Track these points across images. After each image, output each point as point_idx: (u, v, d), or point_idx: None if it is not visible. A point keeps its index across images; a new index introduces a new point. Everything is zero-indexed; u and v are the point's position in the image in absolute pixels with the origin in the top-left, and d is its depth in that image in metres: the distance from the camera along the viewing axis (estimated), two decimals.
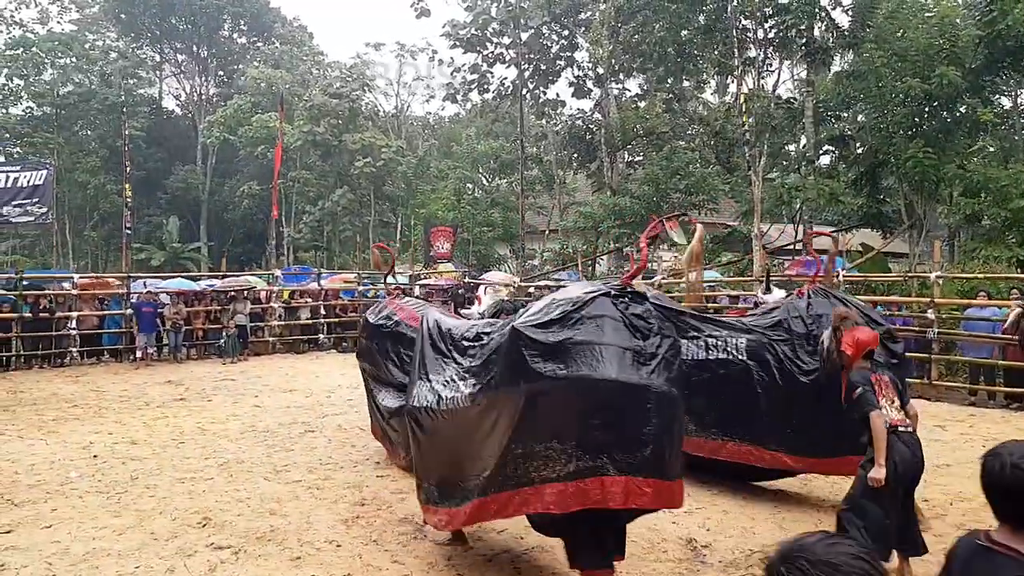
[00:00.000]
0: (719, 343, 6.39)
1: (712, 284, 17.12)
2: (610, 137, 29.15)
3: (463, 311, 8.85)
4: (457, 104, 40.10)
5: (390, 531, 5.70)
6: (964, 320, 12.46)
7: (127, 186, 21.16)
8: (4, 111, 39.18)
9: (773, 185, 22.51)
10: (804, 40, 20.86)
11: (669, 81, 29.11)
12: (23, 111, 39.30)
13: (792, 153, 26.74)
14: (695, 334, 6.49)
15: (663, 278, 17.09)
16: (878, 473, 4.41)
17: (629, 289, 4.27)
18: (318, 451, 8.34)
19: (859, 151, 21.10)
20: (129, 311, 16.44)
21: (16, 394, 12.15)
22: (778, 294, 9.38)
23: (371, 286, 20.96)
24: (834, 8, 21.70)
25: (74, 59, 39.06)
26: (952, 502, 6.30)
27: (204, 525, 5.80)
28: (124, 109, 32.05)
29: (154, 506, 6.28)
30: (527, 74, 33.08)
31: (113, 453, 8.15)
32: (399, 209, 39.82)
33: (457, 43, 34.31)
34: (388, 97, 45.49)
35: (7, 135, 38.47)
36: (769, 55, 23.37)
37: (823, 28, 21.17)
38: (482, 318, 7.13)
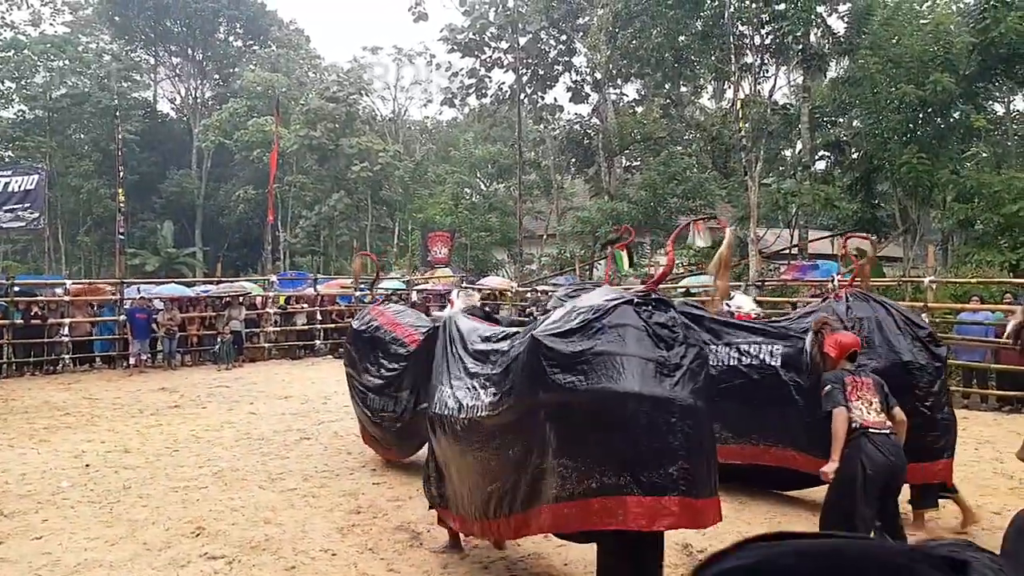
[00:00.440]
0: (753, 348, 6.28)
1: (709, 289, 17.10)
2: (608, 142, 29.18)
3: (433, 314, 9.03)
4: (455, 108, 40.13)
5: (386, 539, 5.67)
6: (957, 324, 12.53)
7: (120, 190, 21.04)
8: None
9: (769, 190, 22.54)
10: (800, 46, 20.94)
11: (666, 86, 29.14)
12: (15, 114, 39.08)
13: (788, 158, 26.81)
14: (729, 340, 6.41)
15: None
16: (829, 467, 4.47)
17: (653, 296, 4.12)
18: (314, 459, 8.29)
19: (854, 156, 21.18)
20: (122, 317, 16.34)
21: (7, 402, 12.06)
22: (742, 300, 9.37)
23: (367, 292, 20.90)
24: (830, 15, 21.83)
25: (67, 61, 38.91)
26: (945, 505, 6.28)
27: (198, 535, 5.75)
28: (118, 112, 31.92)
29: (147, 516, 6.23)
30: (525, 79, 33.11)
31: (105, 462, 8.08)
32: (396, 214, 39.78)
33: (455, 47, 34.32)
34: (385, 101, 45.41)
35: None
36: (766, 61, 23.44)
37: (819, 35, 21.27)
38: None
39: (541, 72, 33.66)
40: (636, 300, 4.01)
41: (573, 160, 31.91)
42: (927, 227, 20.08)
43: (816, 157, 23.05)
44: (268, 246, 28.70)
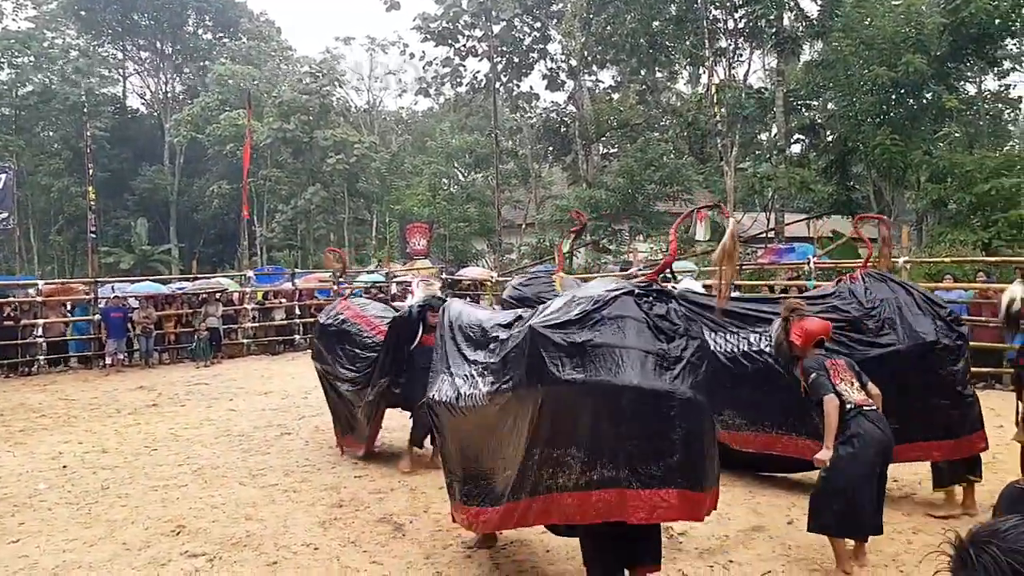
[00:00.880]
0: (767, 335, 6.10)
1: (690, 275, 17.16)
2: (584, 129, 29.17)
3: (396, 304, 9.11)
4: (430, 98, 39.99)
5: (368, 532, 5.64)
6: None
7: (90, 188, 20.72)
8: None
9: (745, 174, 22.68)
10: (774, 30, 21.05)
11: (642, 73, 29.20)
12: None
13: (764, 142, 26.97)
14: (741, 326, 6.33)
15: (639, 269, 17.11)
16: (824, 455, 4.47)
17: (654, 287, 4.06)
18: (295, 454, 8.23)
19: (829, 139, 21.36)
20: (97, 317, 16.11)
21: None
22: (689, 284, 9.39)
23: (347, 285, 20.78)
24: None
25: (32, 58, 38.19)
26: (920, 481, 6.37)
27: (178, 533, 5.68)
28: (86, 108, 31.38)
29: (126, 516, 6.15)
30: (500, 67, 32.99)
31: (83, 463, 7.97)
32: (374, 206, 39.52)
33: (428, 36, 34.09)
34: (359, 92, 45.06)
35: None
36: (739, 45, 23.57)
37: (792, 17, 21.39)
38: (411, 312, 7.29)
39: (516, 60, 33.56)
40: (637, 291, 3.96)
41: (550, 148, 31.91)
42: (901, 208, 20.29)
43: (791, 140, 23.22)
44: (244, 241, 28.42)
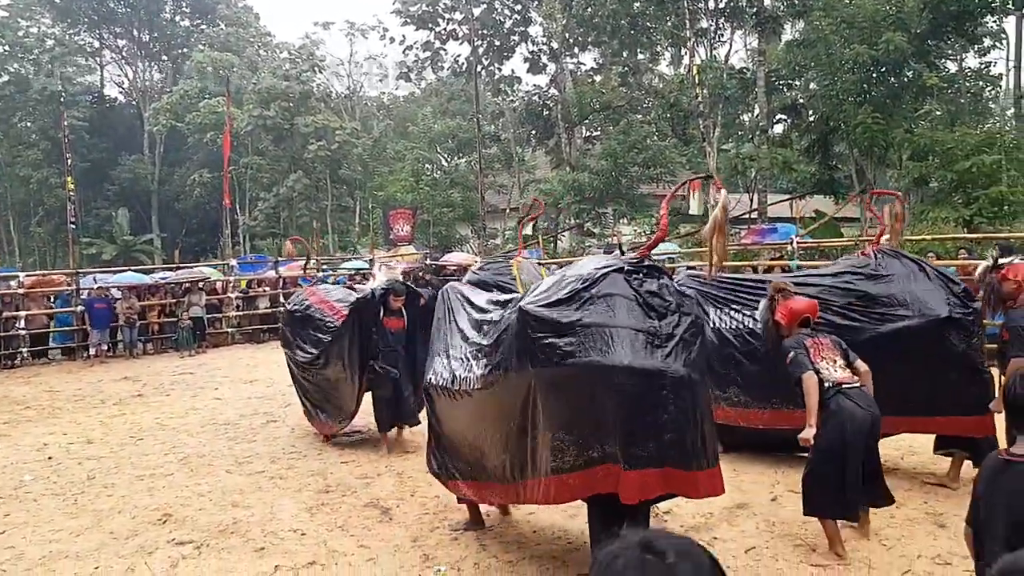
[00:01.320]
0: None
1: (672, 256, 17.23)
2: (567, 112, 29.07)
3: (357, 287, 9.26)
4: (411, 83, 39.61)
5: (355, 516, 5.66)
6: None
7: (69, 179, 20.44)
8: None
9: (728, 155, 22.72)
10: (755, 9, 21.02)
11: (624, 54, 29.10)
12: None
13: (746, 123, 26.98)
14: (746, 303, 6.28)
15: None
16: (807, 433, 4.50)
17: (645, 263, 4.01)
18: (281, 441, 8.24)
19: (811, 119, 21.39)
20: (80, 308, 15.99)
21: None
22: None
23: (331, 272, 20.71)
24: None
25: (7, 47, 37.58)
26: (903, 456, 6.47)
27: (165, 521, 5.69)
28: (63, 98, 30.94)
29: (112, 505, 6.14)
30: (481, 51, 32.75)
31: (68, 454, 7.95)
32: (356, 192, 39.30)
33: (408, 20, 33.76)
34: (340, 78, 44.58)
35: None
36: (720, 25, 23.52)
37: None
38: (373, 295, 7.41)
39: (497, 43, 33.32)
40: (627, 268, 3.91)
41: (533, 132, 31.75)
42: (883, 187, 20.39)
43: (773, 121, 23.24)
44: (227, 230, 28.21)
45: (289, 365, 8.58)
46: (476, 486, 4.76)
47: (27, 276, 17.16)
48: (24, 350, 15.57)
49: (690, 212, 19.34)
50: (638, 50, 29.46)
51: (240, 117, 34.47)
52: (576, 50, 31.81)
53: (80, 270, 18.06)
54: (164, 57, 46.27)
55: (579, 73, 32.83)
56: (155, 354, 16.64)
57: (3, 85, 37.06)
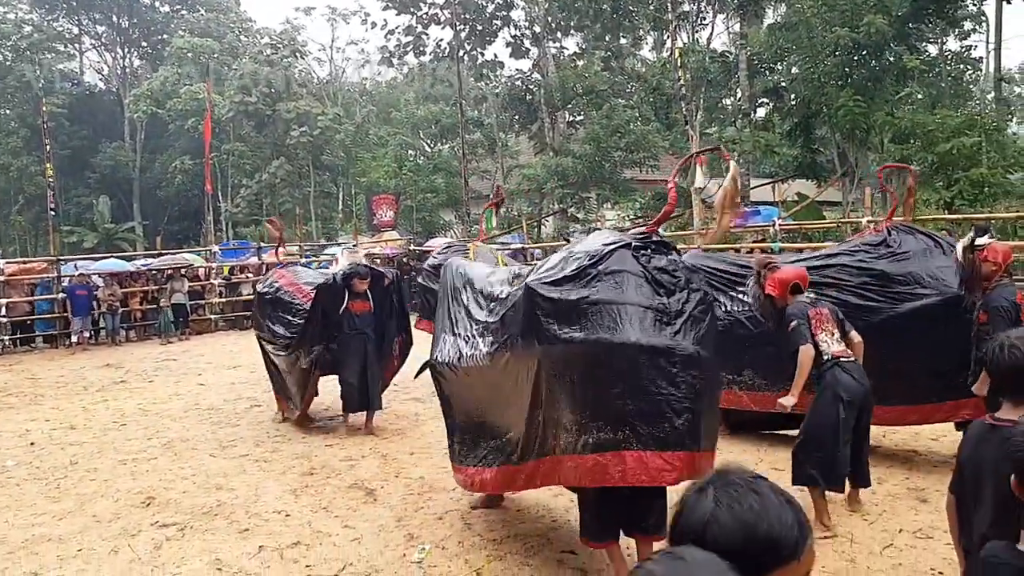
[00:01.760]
0: None
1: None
2: (550, 97, 28.99)
3: (321, 270, 9.36)
4: (394, 68, 39.33)
5: (340, 497, 5.69)
6: None
7: (48, 166, 20.23)
8: None
9: (711, 139, 22.75)
10: None
11: (606, 39, 29.02)
12: None
13: (728, 107, 27.03)
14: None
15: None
16: (788, 401, 4.58)
17: (654, 239, 3.94)
18: (265, 425, 8.25)
19: (792, 102, 21.47)
20: (62, 295, 15.86)
21: None
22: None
23: (314, 258, 20.63)
24: None
25: None
26: (885, 433, 6.55)
27: (148, 504, 5.69)
28: (42, 84, 30.50)
29: (95, 489, 6.14)
30: (463, 35, 32.52)
31: (51, 439, 7.92)
32: (339, 178, 39.05)
33: (390, 4, 33.44)
34: (322, 63, 44.28)
35: None
36: (702, 9, 23.50)
37: None
38: (335, 279, 7.45)
39: (479, 27, 33.10)
40: (635, 244, 3.83)
41: (516, 117, 31.64)
42: (865, 170, 20.55)
43: (755, 104, 23.31)
44: (209, 217, 27.97)
45: (262, 346, 8.63)
46: (473, 472, 4.67)
47: (8, 264, 17.00)
48: (6, 338, 15.45)
49: (696, 185, 19.42)
50: (620, 34, 29.39)
51: (221, 103, 34.12)
52: (559, 34, 31.67)
53: (61, 257, 17.90)
54: (144, 43, 45.57)
55: (562, 57, 32.69)
56: (137, 341, 16.56)
57: None
